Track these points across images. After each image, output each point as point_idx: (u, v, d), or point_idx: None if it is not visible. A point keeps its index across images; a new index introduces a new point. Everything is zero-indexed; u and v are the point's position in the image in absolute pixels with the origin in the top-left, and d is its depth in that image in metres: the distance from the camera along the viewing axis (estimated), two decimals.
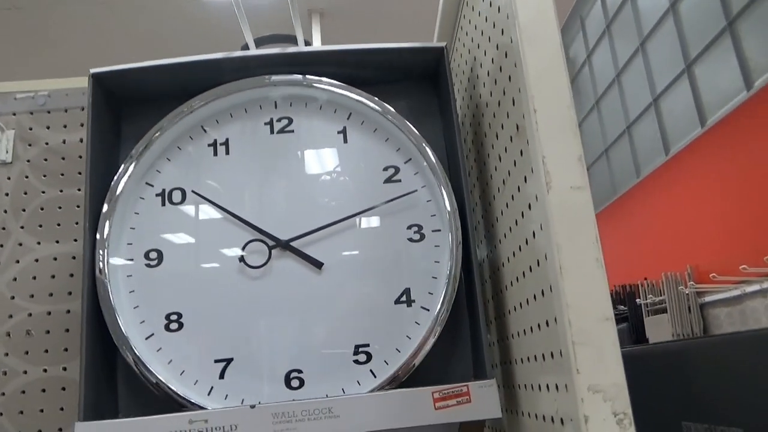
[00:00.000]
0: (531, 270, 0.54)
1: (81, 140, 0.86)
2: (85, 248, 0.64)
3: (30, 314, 0.80)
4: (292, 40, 0.79)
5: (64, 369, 0.78)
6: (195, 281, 0.66)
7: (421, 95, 0.75)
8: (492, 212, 0.68)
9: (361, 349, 0.63)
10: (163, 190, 0.69)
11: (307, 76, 0.72)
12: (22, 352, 0.79)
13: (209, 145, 0.71)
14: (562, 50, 0.50)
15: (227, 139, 0.71)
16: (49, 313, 0.80)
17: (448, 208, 0.66)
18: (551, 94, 0.49)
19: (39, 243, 0.83)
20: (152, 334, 0.64)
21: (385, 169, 0.70)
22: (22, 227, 0.83)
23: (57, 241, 0.83)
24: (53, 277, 0.82)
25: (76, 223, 0.84)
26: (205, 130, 0.71)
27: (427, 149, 0.68)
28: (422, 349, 0.62)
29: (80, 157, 0.85)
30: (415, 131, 0.69)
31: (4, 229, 0.83)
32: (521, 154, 0.54)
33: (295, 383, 0.62)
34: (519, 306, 0.59)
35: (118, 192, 0.67)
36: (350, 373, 0.62)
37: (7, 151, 0.85)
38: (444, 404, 0.58)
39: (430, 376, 0.63)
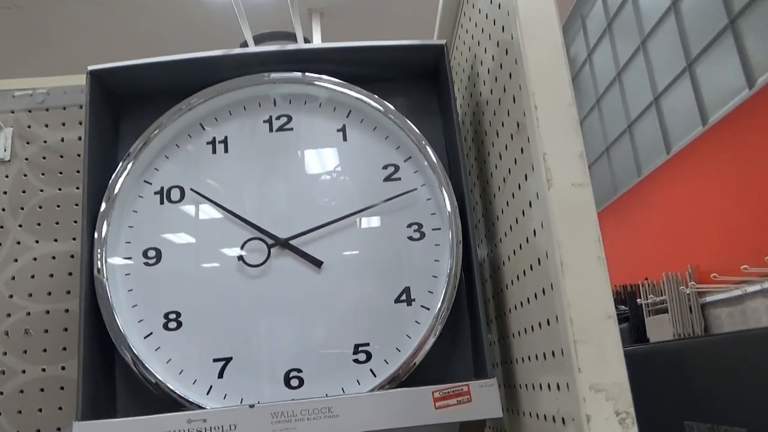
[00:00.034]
0: (532, 268, 0.53)
1: (79, 138, 0.86)
2: (83, 247, 0.64)
3: (28, 313, 0.80)
4: (292, 37, 0.79)
5: (63, 368, 0.78)
6: (194, 280, 0.65)
7: (420, 93, 0.75)
8: (492, 211, 0.68)
9: (360, 349, 0.63)
10: (162, 189, 0.69)
11: (307, 73, 0.71)
12: (20, 352, 0.79)
13: (208, 143, 0.70)
14: (563, 46, 0.50)
15: (226, 137, 0.71)
16: (48, 312, 0.80)
17: (449, 207, 0.65)
18: (552, 91, 0.48)
19: (37, 241, 0.83)
20: (151, 333, 0.63)
21: (385, 167, 0.69)
22: (20, 226, 0.83)
23: (55, 240, 0.83)
24: (51, 275, 0.81)
25: (75, 222, 0.83)
26: (203, 128, 0.71)
27: (428, 148, 0.68)
28: (422, 349, 0.62)
29: (79, 155, 0.85)
30: (416, 130, 0.69)
31: (2, 227, 0.83)
32: (522, 151, 0.54)
33: (294, 382, 0.62)
34: (520, 305, 0.59)
35: (116, 190, 0.67)
36: (350, 372, 0.62)
37: (5, 149, 0.85)
38: (444, 404, 0.57)
39: (431, 376, 0.62)
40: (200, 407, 0.59)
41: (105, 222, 0.65)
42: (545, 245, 0.48)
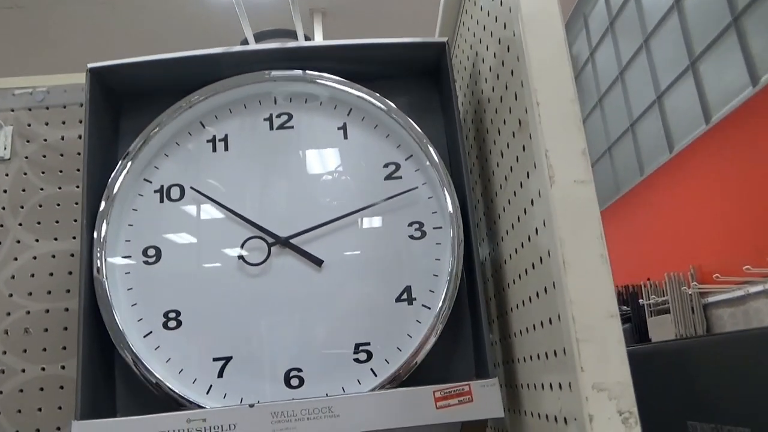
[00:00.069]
0: (533, 267, 0.53)
1: (79, 137, 0.86)
2: (82, 246, 0.64)
3: (28, 312, 0.80)
4: (292, 35, 0.78)
5: (63, 367, 0.78)
6: (193, 279, 0.65)
7: (422, 91, 0.74)
8: (494, 209, 0.68)
9: (361, 348, 0.62)
10: (162, 187, 0.68)
11: (308, 71, 0.71)
12: (20, 351, 0.78)
13: (208, 141, 0.70)
14: (565, 42, 0.49)
15: (226, 135, 0.70)
16: (48, 311, 0.80)
17: (450, 206, 0.65)
18: (554, 87, 0.48)
19: (37, 240, 0.82)
20: (150, 332, 0.63)
21: (386, 165, 0.69)
22: (20, 224, 0.83)
23: (55, 239, 0.82)
24: (51, 274, 0.81)
25: (75, 221, 0.83)
26: (203, 126, 0.71)
27: (429, 146, 0.68)
28: (423, 348, 0.61)
29: (79, 153, 0.85)
30: (417, 128, 0.69)
31: (2, 226, 0.83)
32: (523, 149, 0.53)
33: (294, 382, 0.61)
34: (521, 304, 0.58)
35: (115, 189, 0.66)
36: (350, 371, 0.61)
37: (5, 148, 0.85)
38: (445, 403, 0.57)
39: (432, 375, 0.62)
40: (200, 407, 0.59)
41: (104, 221, 0.65)
42: (547, 243, 0.48)
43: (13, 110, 0.87)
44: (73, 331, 0.77)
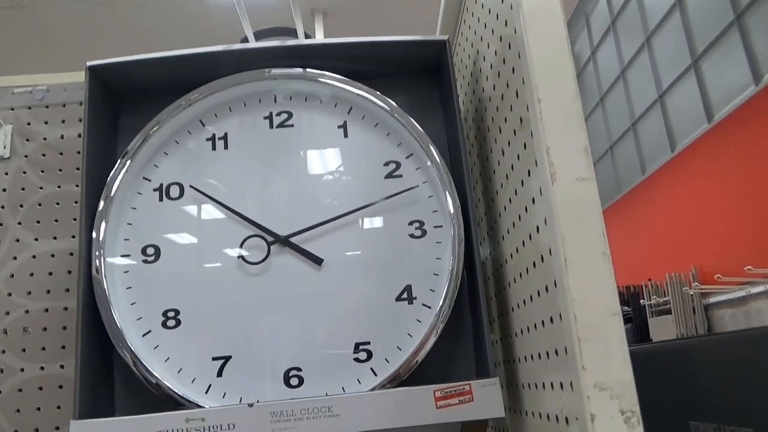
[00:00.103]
0: (535, 266, 0.52)
1: (79, 136, 0.85)
2: (80, 244, 0.63)
3: (27, 311, 0.79)
4: (293, 33, 0.78)
5: (62, 367, 0.77)
6: (193, 277, 0.65)
7: (422, 89, 0.74)
8: (495, 208, 0.67)
9: (361, 347, 0.62)
10: (161, 185, 0.68)
11: (308, 69, 0.71)
12: (19, 350, 0.78)
13: (207, 140, 0.70)
14: (567, 39, 0.49)
15: (226, 134, 0.70)
16: (47, 310, 0.80)
17: (450, 204, 0.65)
18: (556, 84, 0.47)
19: (36, 239, 0.82)
20: (149, 331, 0.63)
21: (386, 164, 0.69)
22: (19, 223, 0.83)
23: (54, 238, 0.82)
24: (51, 273, 0.81)
25: (74, 220, 0.83)
26: (203, 124, 0.70)
27: (430, 145, 0.67)
28: (424, 347, 0.61)
29: (78, 152, 0.84)
30: (418, 127, 0.68)
31: (1, 225, 0.82)
32: (525, 147, 0.53)
33: (294, 381, 0.61)
34: (522, 303, 0.58)
35: (114, 188, 0.66)
36: (350, 371, 0.61)
37: (4, 147, 0.85)
38: (446, 403, 0.56)
39: (432, 375, 0.62)
40: (199, 406, 0.59)
41: (103, 220, 0.65)
42: (549, 241, 0.47)
43: (12, 109, 0.87)
44: (72, 331, 0.77)
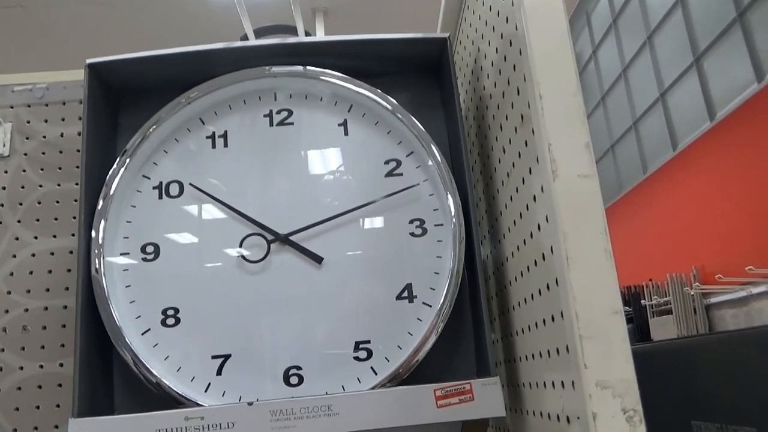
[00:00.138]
0: (536, 264, 0.52)
1: (79, 134, 0.85)
2: (80, 242, 0.63)
3: (26, 309, 0.79)
4: (293, 31, 0.78)
5: (61, 365, 0.77)
6: (192, 276, 0.64)
7: (423, 87, 0.74)
8: (496, 207, 0.67)
9: (361, 346, 0.62)
10: (161, 183, 0.68)
11: (308, 67, 0.70)
12: (18, 348, 0.78)
13: (207, 138, 0.70)
14: (568, 35, 0.49)
15: (226, 132, 0.70)
16: (46, 309, 0.79)
17: (451, 203, 0.64)
18: (557, 80, 0.47)
19: (36, 237, 0.82)
20: (148, 330, 0.62)
21: (387, 162, 0.68)
22: (19, 221, 0.82)
23: (54, 236, 0.82)
24: (50, 272, 0.81)
25: (74, 218, 0.83)
26: (203, 122, 0.70)
27: (431, 143, 0.67)
28: (424, 346, 0.60)
29: (78, 150, 0.84)
30: (419, 125, 0.68)
31: (0, 223, 0.82)
32: (526, 144, 0.53)
33: (294, 380, 0.61)
34: (523, 302, 0.57)
35: (113, 186, 0.66)
36: (350, 370, 0.61)
37: (4, 145, 0.84)
38: (446, 402, 0.56)
39: (432, 374, 0.61)
40: (198, 405, 0.58)
41: (102, 218, 0.64)
42: (550, 239, 0.47)
43: (12, 107, 0.86)
44: (71, 329, 0.77)
